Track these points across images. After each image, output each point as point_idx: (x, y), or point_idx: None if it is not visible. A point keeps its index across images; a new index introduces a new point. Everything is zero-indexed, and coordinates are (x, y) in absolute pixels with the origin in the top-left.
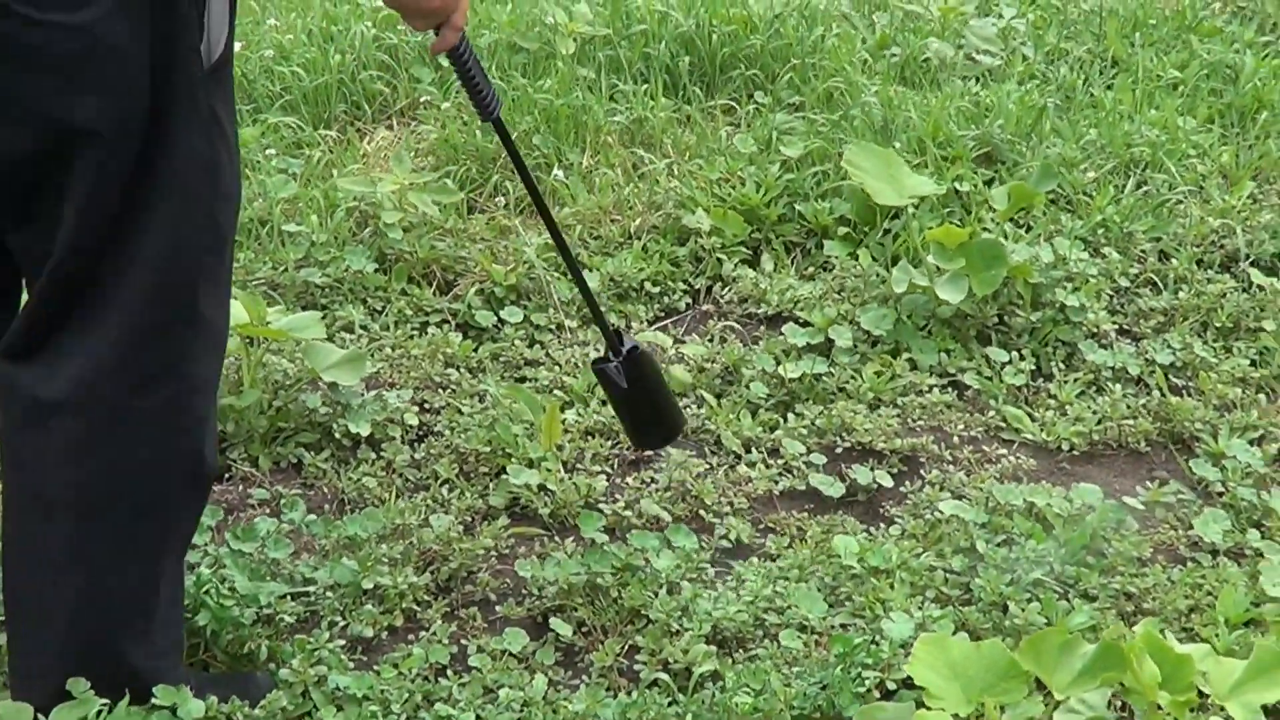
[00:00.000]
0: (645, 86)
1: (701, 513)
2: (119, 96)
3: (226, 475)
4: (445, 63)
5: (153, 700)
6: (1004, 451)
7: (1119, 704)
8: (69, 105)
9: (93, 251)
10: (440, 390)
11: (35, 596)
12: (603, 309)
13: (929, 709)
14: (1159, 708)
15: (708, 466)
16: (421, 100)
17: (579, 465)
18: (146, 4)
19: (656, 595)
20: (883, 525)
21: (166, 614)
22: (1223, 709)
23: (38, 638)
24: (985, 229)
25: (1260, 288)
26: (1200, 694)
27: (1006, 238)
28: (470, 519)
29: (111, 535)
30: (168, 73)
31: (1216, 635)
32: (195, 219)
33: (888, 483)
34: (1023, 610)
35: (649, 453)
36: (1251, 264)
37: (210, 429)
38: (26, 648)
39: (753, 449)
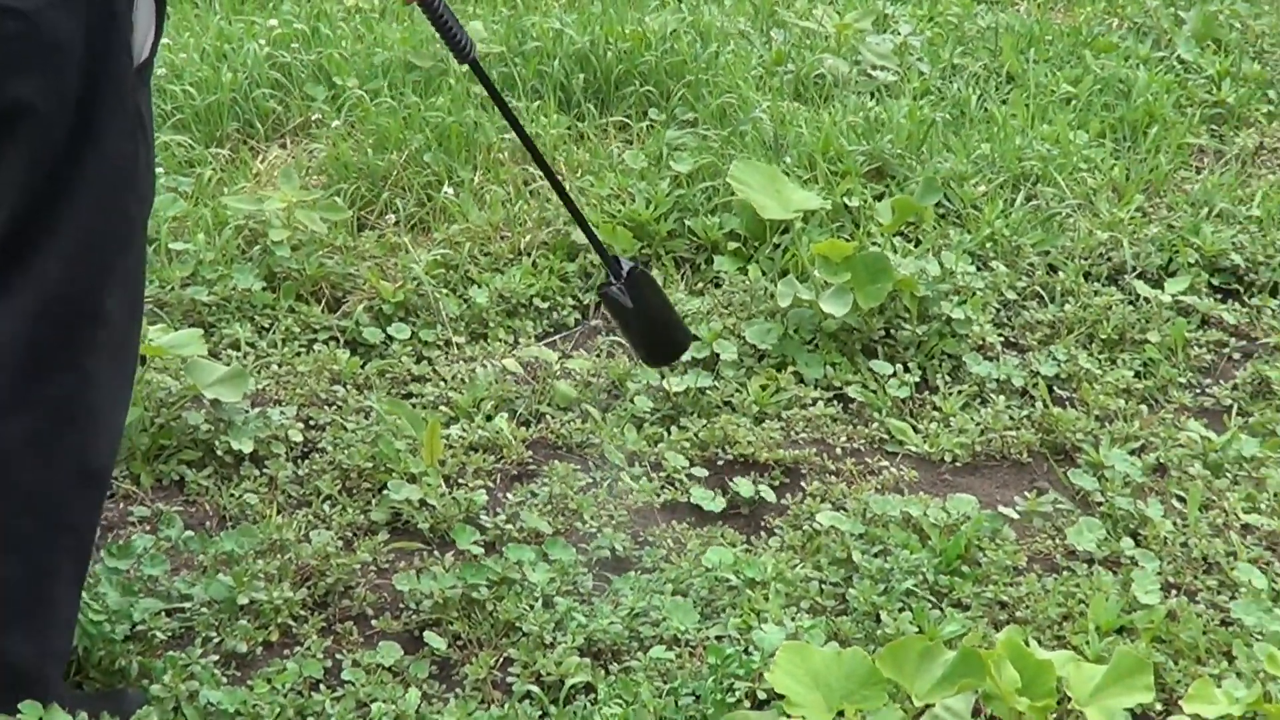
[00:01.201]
0: (539, 104)
1: (580, 525)
2: (55, 80)
3: (108, 493)
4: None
5: (17, 716)
6: (886, 463)
7: (989, 712)
8: (8, 80)
9: (10, 233)
10: (326, 407)
11: None
12: (491, 322)
13: (790, 717)
14: (1020, 714)
15: (590, 481)
16: (314, 119)
17: (460, 480)
18: None
19: (532, 608)
20: (763, 537)
21: (62, 615)
22: (1083, 715)
23: None
24: (874, 243)
25: (1145, 300)
26: (1065, 699)
27: (895, 251)
28: (351, 534)
29: None
30: (100, 65)
31: (1087, 643)
32: (111, 215)
33: (769, 495)
34: (894, 619)
35: (655, 370)
36: (1137, 276)
37: (105, 430)
38: None
39: (636, 463)
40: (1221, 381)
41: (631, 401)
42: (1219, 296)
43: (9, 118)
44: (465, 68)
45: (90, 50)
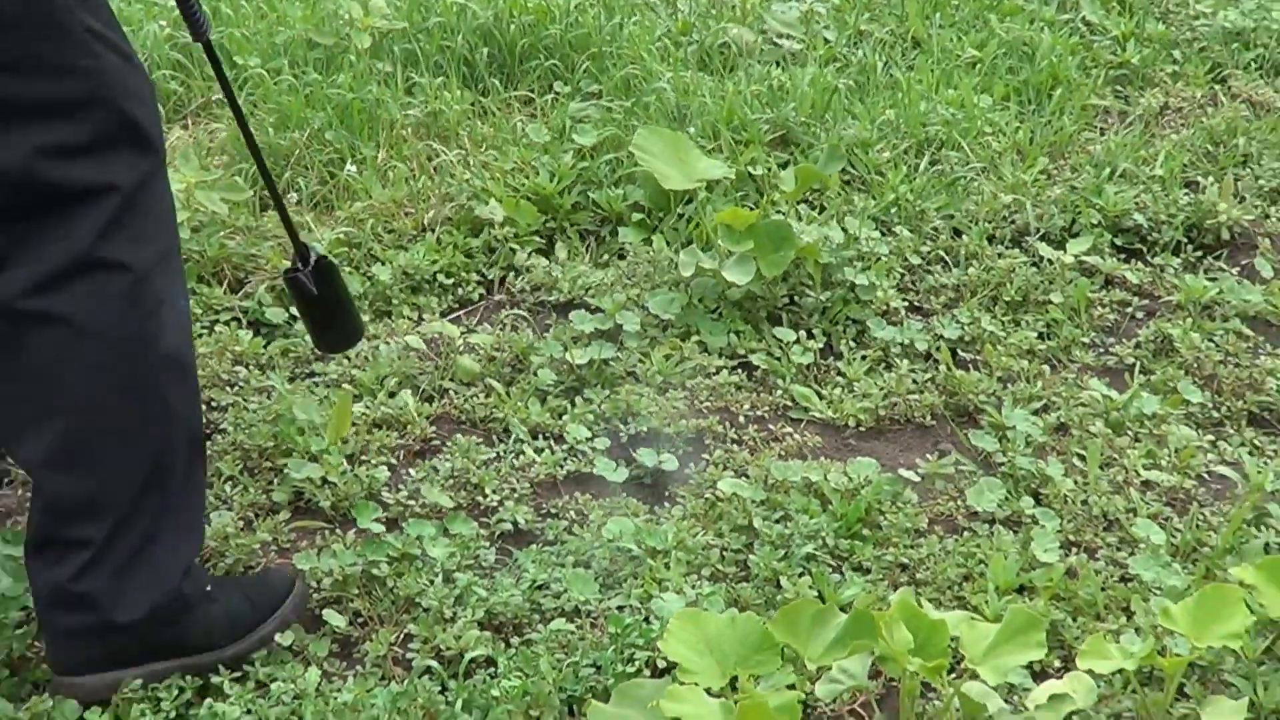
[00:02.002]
0: (442, 80)
1: (482, 499)
2: None
3: (7, 479)
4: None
5: None
6: (790, 430)
7: (885, 674)
8: None
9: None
10: (228, 388)
11: None
12: (395, 299)
13: (684, 684)
14: (914, 674)
15: (494, 455)
16: (215, 99)
17: (363, 457)
18: None
19: (432, 583)
20: (666, 506)
21: (196, 511)
22: (977, 674)
23: None
24: (778, 211)
25: (1049, 261)
26: (960, 659)
27: (800, 219)
28: (252, 514)
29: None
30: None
31: (986, 603)
32: (112, 123)
33: (672, 465)
34: (794, 584)
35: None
36: (1041, 238)
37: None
38: None
39: (539, 435)
40: (1124, 340)
41: (535, 374)
42: (1122, 256)
43: None
44: (366, 44)
45: None
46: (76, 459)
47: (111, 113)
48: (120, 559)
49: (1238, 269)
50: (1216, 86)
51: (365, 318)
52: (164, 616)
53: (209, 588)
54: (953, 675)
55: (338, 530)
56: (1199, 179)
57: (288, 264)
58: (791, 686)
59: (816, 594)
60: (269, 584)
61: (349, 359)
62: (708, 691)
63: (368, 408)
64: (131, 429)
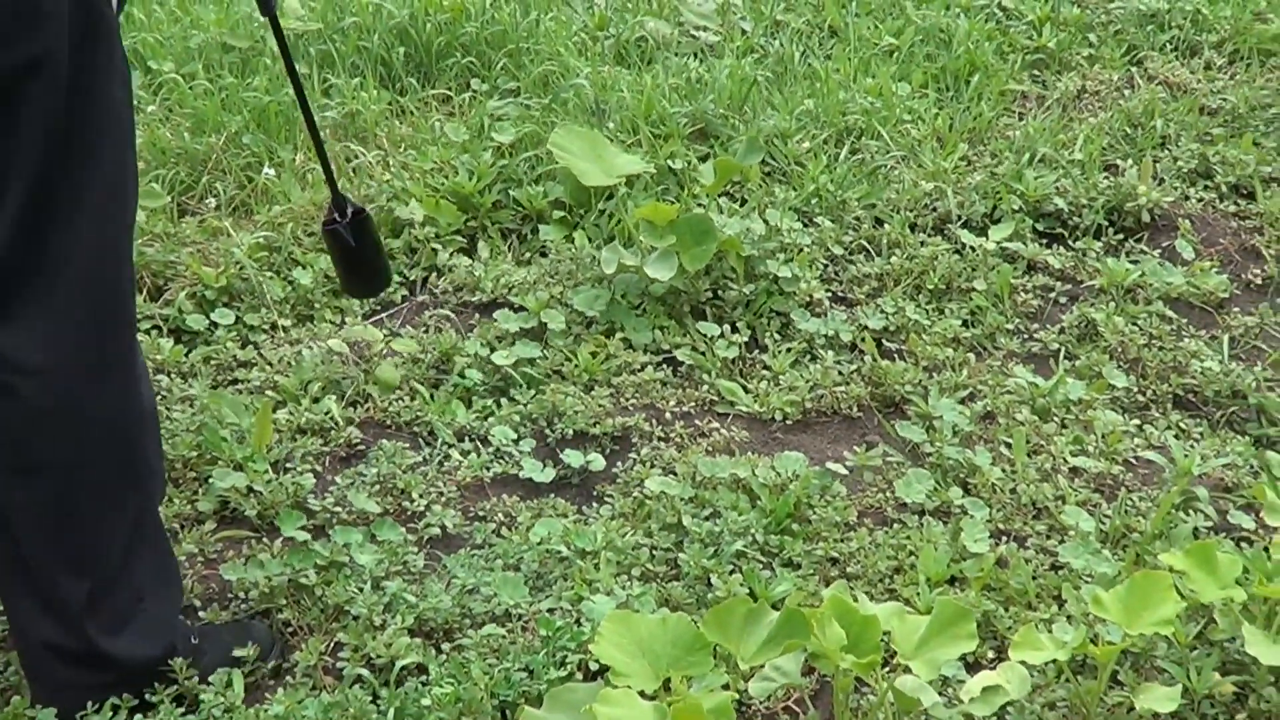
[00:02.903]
0: (359, 80)
1: (408, 504)
2: (55, 36)
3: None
4: None
5: None
6: (717, 425)
7: (819, 670)
8: (17, 39)
9: (37, 194)
10: None
11: None
12: (316, 304)
13: (617, 687)
14: (847, 670)
15: (420, 459)
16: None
17: (288, 464)
18: None
19: (361, 591)
20: (594, 506)
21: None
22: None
23: None
24: (699, 205)
25: (972, 248)
26: (892, 653)
27: (721, 212)
28: (178, 525)
29: None
30: (88, 15)
31: (918, 594)
32: (121, 169)
33: (600, 464)
34: (725, 582)
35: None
36: (963, 225)
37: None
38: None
39: (465, 438)
40: (1048, 326)
41: (460, 376)
42: (1044, 241)
43: (19, 78)
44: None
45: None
46: (63, 517)
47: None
48: (115, 616)
49: (1159, 251)
50: (1133, 69)
51: (286, 322)
52: (161, 670)
53: (195, 640)
54: (885, 670)
55: (264, 539)
56: (1118, 162)
57: (324, 217)
58: (725, 687)
59: (748, 591)
60: (254, 637)
61: (271, 364)
62: (641, 694)
63: (292, 414)
64: (112, 486)
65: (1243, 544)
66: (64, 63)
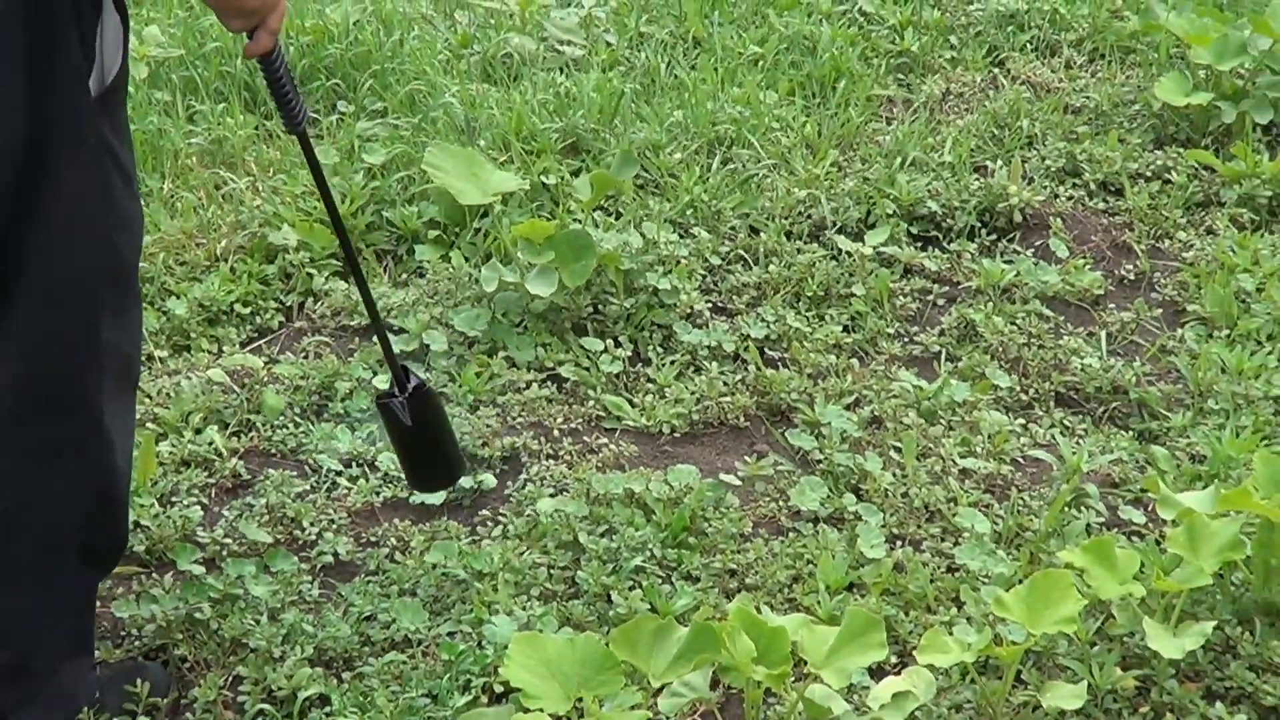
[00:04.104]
0: (224, 105)
1: (300, 533)
2: None
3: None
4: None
5: None
6: (605, 440)
7: (727, 683)
8: None
9: None
10: None
11: None
12: (193, 333)
13: (527, 710)
14: (757, 683)
15: (309, 487)
16: None
17: (174, 498)
18: (19, 30)
19: (258, 623)
20: (489, 526)
21: (87, 637)
22: (819, 677)
23: None
24: (575, 220)
25: (848, 254)
26: (801, 663)
27: (598, 226)
28: None
29: None
30: (45, 101)
31: (819, 603)
32: (90, 248)
33: (491, 484)
34: (625, 599)
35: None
36: (838, 231)
37: (119, 455)
38: None
39: (353, 464)
40: (928, 328)
41: (343, 402)
42: (919, 245)
43: None
44: (144, 74)
45: (33, 89)
46: None
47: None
48: (27, 689)
49: (1032, 250)
50: (995, 70)
51: (163, 353)
52: None
53: (99, 693)
54: (793, 680)
55: (155, 574)
56: (987, 163)
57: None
58: (636, 705)
59: (649, 607)
60: (147, 678)
61: (150, 396)
62: (552, 716)
63: (174, 446)
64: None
65: (1134, 538)
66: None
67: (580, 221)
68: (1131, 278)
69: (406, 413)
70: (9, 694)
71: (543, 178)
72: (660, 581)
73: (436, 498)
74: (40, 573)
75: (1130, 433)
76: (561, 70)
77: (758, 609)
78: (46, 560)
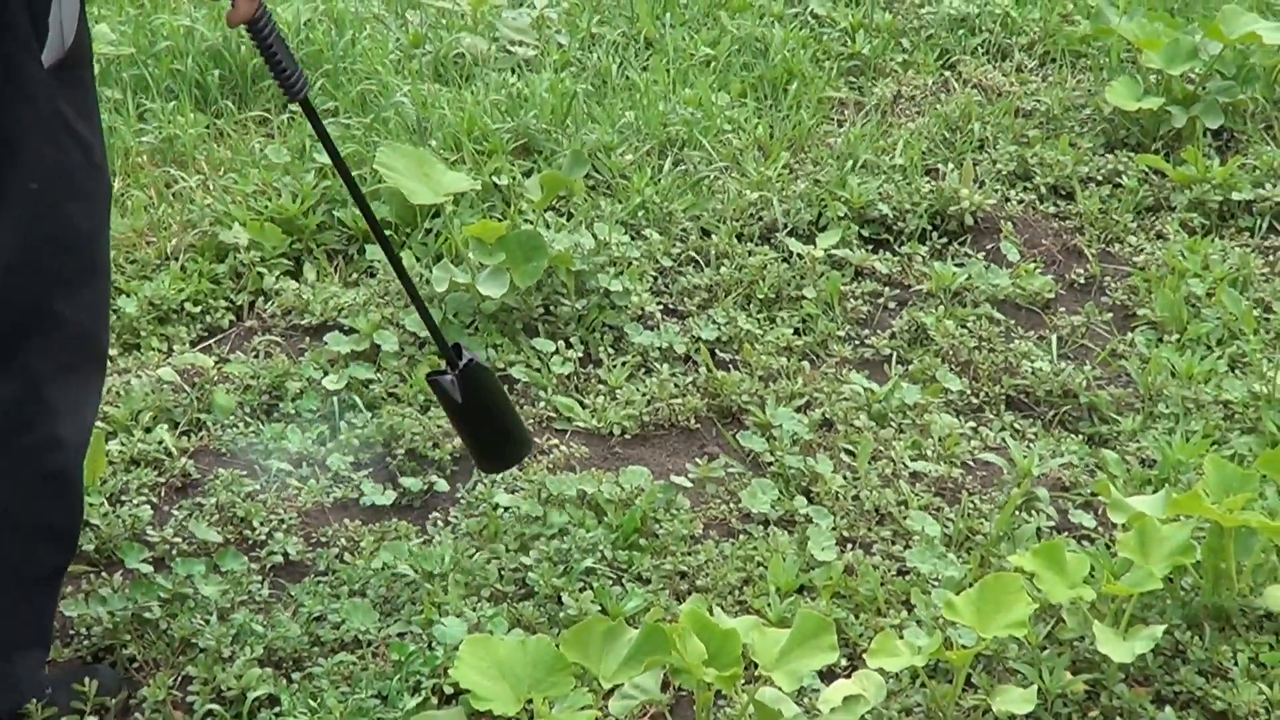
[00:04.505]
0: (174, 104)
1: (250, 533)
2: None
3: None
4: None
5: None
6: (557, 441)
7: (678, 684)
8: None
9: None
10: None
11: None
12: (143, 332)
13: (479, 712)
14: (708, 685)
15: (258, 486)
16: None
17: (123, 497)
18: None
19: (207, 623)
20: (439, 526)
21: (41, 619)
22: (770, 680)
23: None
24: (527, 221)
25: (799, 256)
26: (752, 665)
27: (549, 227)
28: None
29: None
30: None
31: (769, 605)
32: (47, 223)
33: (442, 485)
34: (576, 600)
35: (491, 475)
36: (789, 234)
37: (67, 430)
38: None
39: (303, 463)
40: (879, 331)
41: (294, 402)
42: (870, 247)
43: None
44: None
45: None
46: None
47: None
48: None
49: (983, 254)
50: (947, 73)
51: (113, 351)
52: None
53: (49, 689)
54: (744, 682)
55: (104, 574)
56: (939, 166)
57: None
58: (586, 706)
59: (599, 608)
60: (101, 683)
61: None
62: (503, 717)
63: (124, 445)
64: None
65: (1084, 542)
66: None
67: (531, 222)
68: (1082, 282)
69: (457, 389)
70: None
71: (494, 178)
72: (611, 583)
73: (386, 497)
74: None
75: (1080, 436)
76: (513, 71)
77: (709, 611)
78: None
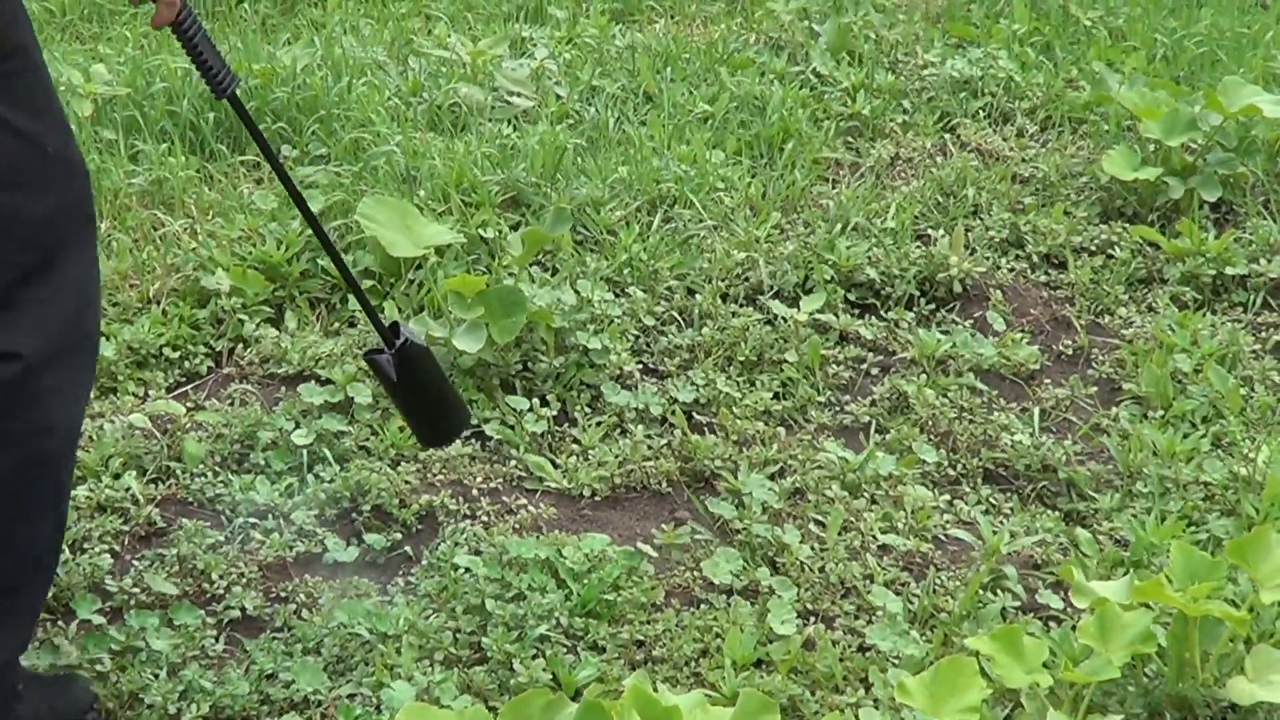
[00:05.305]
0: (166, 146)
1: (208, 586)
2: None
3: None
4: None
5: None
6: (525, 501)
7: None
8: None
9: None
10: None
11: None
12: (120, 375)
13: None
14: None
15: (222, 538)
16: None
17: (85, 544)
18: None
19: (156, 678)
20: (399, 585)
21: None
22: None
23: None
24: (510, 274)
25: (783, 319)
26: None
27: (533, 281)
28: None
29: None
30: None
31: (724, 679)
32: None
33: (405, 542)
34: (527, 667)
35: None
36: (774, 296)
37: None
38: None
39: (269, 515)
40: (860, 398)
41: (264, 452)
42: (856, 312)
43: None
44: (89, 111)
45: None
46: None
47: None
48: None
49: (970, 321)
50: (946, 135)
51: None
52: None
53: (20, 686)
54: None
55: (60, 622)
56: (930, 230)
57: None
58: None
59: (551, 676)
60: (73, 696)
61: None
62: None
63: (91, 491)
64: None
65: (1051, 623)
66: None
67: (515, 277)
68: (1069, 353)
69: (392, 368)
70: None
71: (480, 231)
72: (565, 651)
73: (349, 554)
74: None
75: (1057, 513)
76: (509, 122)
77: (654, 686)
78: None
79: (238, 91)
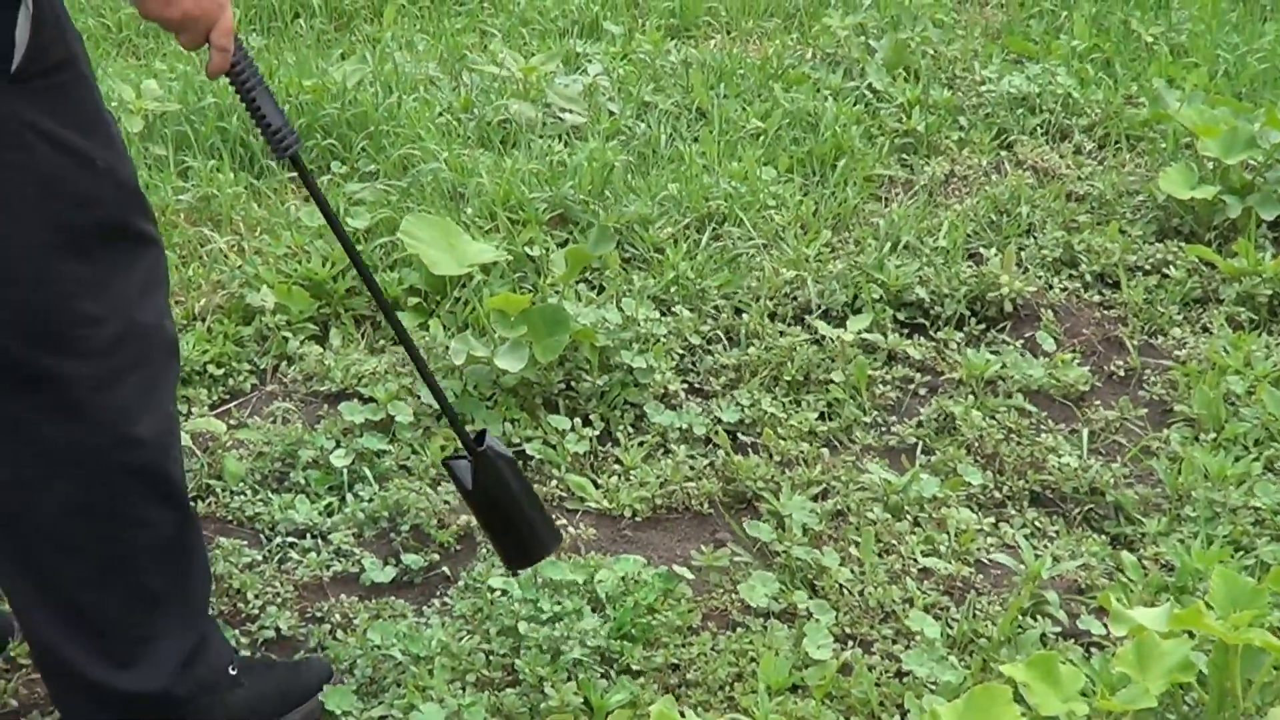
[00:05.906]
0: (215, 162)
1: (243, 606)
2: None
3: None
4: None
5: None
6: (565, 522)
7: None
8: None
9: None
10: None
11: None
12: None
13: None
14: None
15: (260, 557)
16: None
17: None
18: None
19: None
20: (434, 606)
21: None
22: None
23: None
24: (556, 292)
25: (830, 339)
26: None
27: (579, 300)
28: None
29: None
30: None
31: (757, 704)
32: (33, 230)
33: (443, 564)
34: (559, 691)
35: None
36: (821, 315)
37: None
38: None
39: (307, 534)
40: (906, 419)
41: (304, 471)
42: (905, 331)
43: None
44: (139, 127)
45: None
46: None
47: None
48: (118, 659)
49: (1021, 342)
50: (1002, 153)
51: None
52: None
53: (234, 670)
54: None
55: None
56: (982, 249)
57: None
58: None
59: (583, 700)
60: (301, 675)
61: None
62: None
63: None
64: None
65: (1092, 649)
66: None
67: (560, 295)
68: (1121, 374)
69: (468, 475)
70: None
71: (527, 249)
72: (599, 675)
73: (385, 574)
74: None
75: (1104, 536)
76: (560, 138)
77: (683, 711)
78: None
79: (299, 152)
